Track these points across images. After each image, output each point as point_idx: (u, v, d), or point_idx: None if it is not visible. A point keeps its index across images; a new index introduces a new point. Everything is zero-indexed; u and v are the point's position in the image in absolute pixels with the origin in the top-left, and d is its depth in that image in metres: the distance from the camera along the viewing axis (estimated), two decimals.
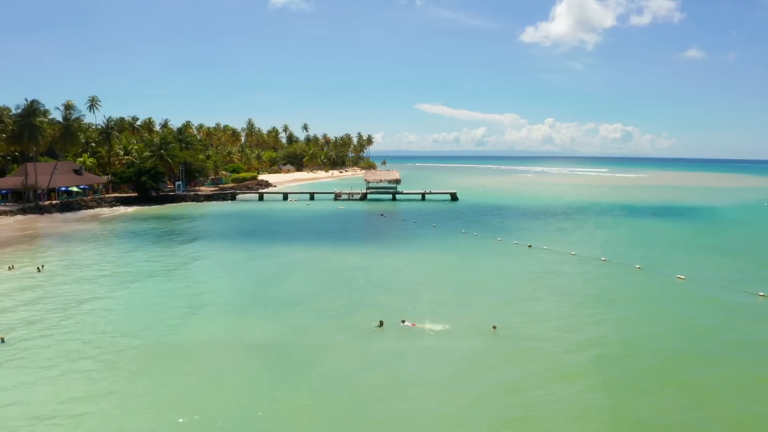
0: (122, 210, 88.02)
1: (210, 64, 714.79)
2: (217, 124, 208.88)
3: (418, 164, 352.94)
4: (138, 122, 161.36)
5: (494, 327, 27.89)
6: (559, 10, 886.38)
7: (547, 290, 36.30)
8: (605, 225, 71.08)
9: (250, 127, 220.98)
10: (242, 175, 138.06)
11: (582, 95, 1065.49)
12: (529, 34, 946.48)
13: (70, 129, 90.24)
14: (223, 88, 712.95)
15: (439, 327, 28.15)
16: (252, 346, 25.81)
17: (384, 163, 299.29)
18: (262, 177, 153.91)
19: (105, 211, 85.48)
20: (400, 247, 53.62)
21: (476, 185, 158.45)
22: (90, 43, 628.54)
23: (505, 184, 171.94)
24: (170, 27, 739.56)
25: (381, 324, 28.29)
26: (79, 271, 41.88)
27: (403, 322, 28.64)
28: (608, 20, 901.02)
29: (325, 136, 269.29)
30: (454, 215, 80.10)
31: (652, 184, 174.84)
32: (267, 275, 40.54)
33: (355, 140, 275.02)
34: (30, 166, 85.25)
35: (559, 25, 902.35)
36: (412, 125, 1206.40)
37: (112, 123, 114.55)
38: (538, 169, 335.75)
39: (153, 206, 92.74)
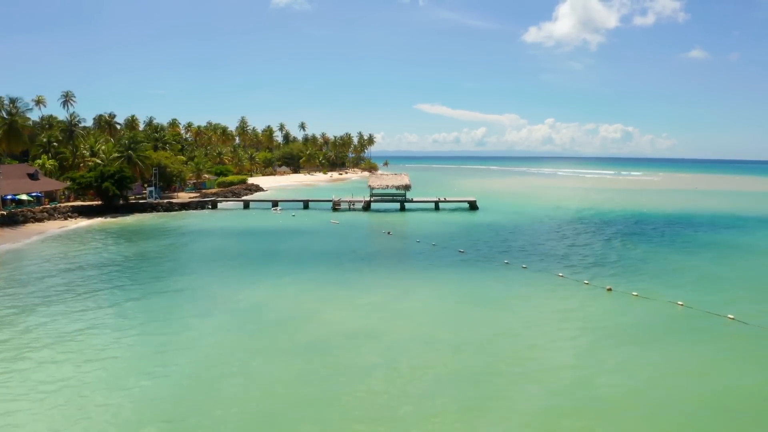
0: (78, 223, 72.74)
1: (211, 64, 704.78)
2: (208, 123, 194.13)
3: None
4: (117, 119, 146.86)
5: None
6: (563, 10, 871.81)
7: (698, 395, 20.92)
8: (693, 249, 52.85)
9: (243, 126, 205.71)
10: (229, 178, 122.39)
11: (582, 95, 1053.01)
12: (532, 35, 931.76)
13: (14, 126, 75.13)
14: (223, 89, 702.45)
15: None
16: None
17: (386, 164, 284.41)
18: (253, 180, 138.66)
19: (55, 225, 70.05)
20: (425, 292, 37.31)
21: (490, 189, 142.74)
22: (91, 43, 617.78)
23: (521, 188, 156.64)
24: (172, 27, 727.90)
25: None
26: None
27: None
28: (612, 21, 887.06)
29: (323, 136, 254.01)
30: (481, 233, 64.27)
31: (681, 188, 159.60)
32: (224, 364, 24.89)
33: (355, 140, 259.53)
34: None
35: (563, 25, 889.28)
36: (412, 125, 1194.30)
37: (77, 119, 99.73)
38: (544, 170, 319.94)
39: (117, 217, 77.93)
